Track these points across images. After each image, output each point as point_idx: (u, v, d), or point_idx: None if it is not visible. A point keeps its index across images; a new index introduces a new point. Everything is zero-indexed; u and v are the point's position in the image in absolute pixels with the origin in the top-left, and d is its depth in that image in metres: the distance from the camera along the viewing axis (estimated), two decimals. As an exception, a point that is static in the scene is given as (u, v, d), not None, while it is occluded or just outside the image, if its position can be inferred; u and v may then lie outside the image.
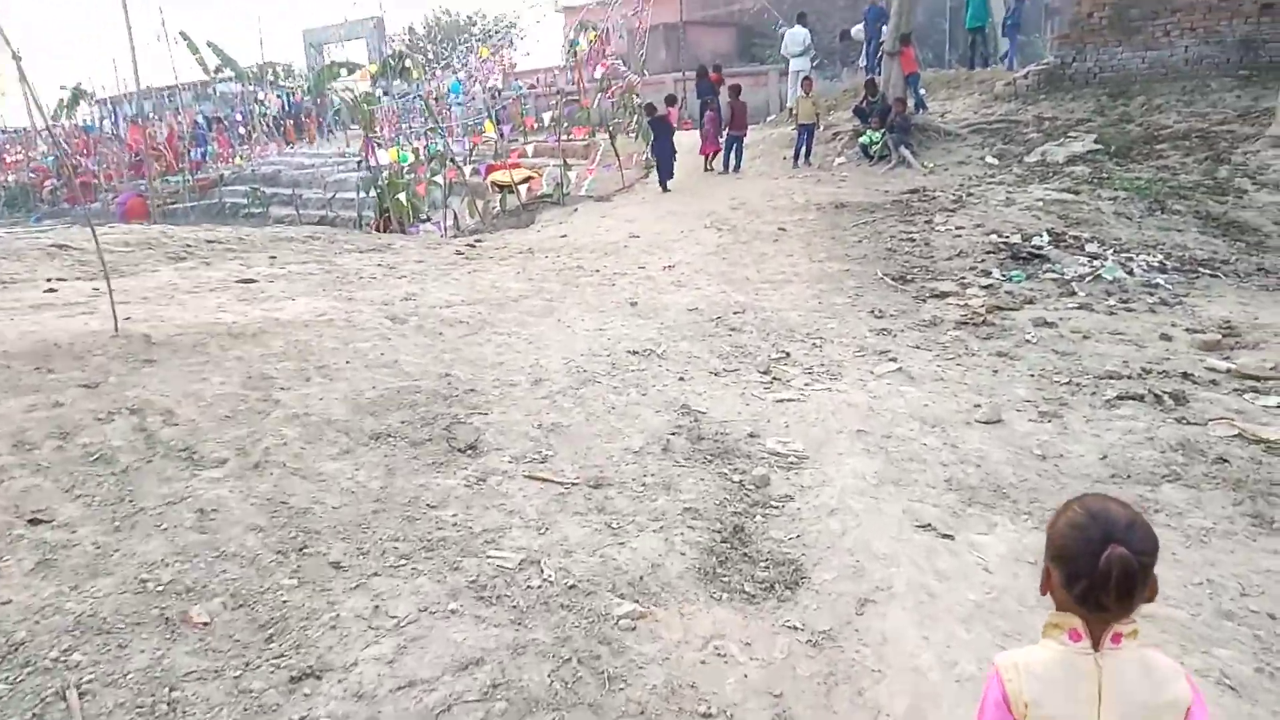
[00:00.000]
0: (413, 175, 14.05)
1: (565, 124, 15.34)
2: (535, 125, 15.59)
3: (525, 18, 28.77)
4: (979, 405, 5.11)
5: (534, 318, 6.69)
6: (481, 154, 15.58)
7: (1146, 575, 1.43)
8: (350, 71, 31.58)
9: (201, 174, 34.77)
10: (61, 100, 45.82)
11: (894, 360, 6.02)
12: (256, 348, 5.01)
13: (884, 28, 14.86)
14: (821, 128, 14.64)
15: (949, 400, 5.23)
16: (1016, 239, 8.92)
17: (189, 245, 8.15)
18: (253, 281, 7.03)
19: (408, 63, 32.39)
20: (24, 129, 48.92)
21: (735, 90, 14.30)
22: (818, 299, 7.55)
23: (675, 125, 13.74)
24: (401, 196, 13.40)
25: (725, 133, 14.77)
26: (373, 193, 13.85)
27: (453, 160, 13.48)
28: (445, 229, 13.54)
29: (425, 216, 14.69)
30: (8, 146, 46.17)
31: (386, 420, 4.37)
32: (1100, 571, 1.40)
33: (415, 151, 14.95)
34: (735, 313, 7.08)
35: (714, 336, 6.49)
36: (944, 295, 7.60)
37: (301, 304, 6.17)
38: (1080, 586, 1.44)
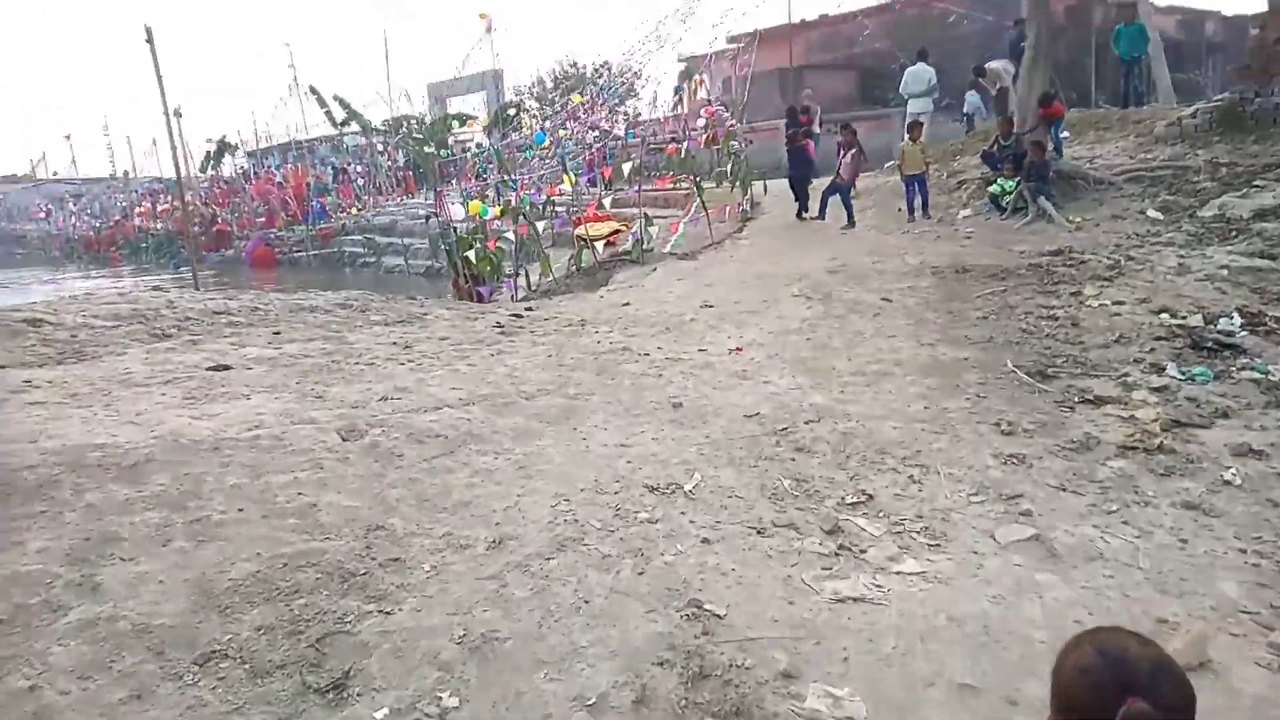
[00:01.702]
0: (483, 232, 13.00)
1: (647, 174, 14.00)
2: (611, 175, 14.30)
3: (651, 68, 27.88)
4: (1167, 620, 3.24)
5: (543, 426, 5.21)
6: (560, 207, 14.45)
7: None
8: (462, 123, 31.72)
9: (325, 223, 35.71)
10: (208, 153, 48.76)
11: (1027, 515, 4.17)
12: (126, 487, 3.74)
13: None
14: (936, 175, 12.76)
15: (1117, 603, 3.37)
16: (1197, 320, 6.82)
17: (186, 319, 7.18)
18: (226, 369, 5.89)
19: (521, 113, 32.38)
20: (174, 179, 52.50)
21: (849, 132, 12.60)
22: (924, 401, 5.74)
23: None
24: (471, 254, 12.35)
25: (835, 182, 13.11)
26: (443, 248, 12.87)
27: (524, 215, 12.34)
28: (515, 290, 12.39)
29: (512, 273, 13.64)
30: (161, 195, 49.43)
31: (236, 625, 2.96)
32: None
33: (505, 205, 13.98)
34: (809, 421, 5.38)
35: (772, 460, 4.81)
36: (1099, 401, 5.64)
37: (244, 409, 4.92)
38: None
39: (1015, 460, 4.86)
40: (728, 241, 12.60)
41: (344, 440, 4.58)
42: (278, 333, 7.07)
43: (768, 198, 16.04)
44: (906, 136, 12.30)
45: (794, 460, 4.82)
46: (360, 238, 30.45)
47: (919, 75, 16.49)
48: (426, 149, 32.84)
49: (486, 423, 5.10)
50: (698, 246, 12.47)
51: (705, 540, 3.85)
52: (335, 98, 38.47)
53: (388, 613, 3.11)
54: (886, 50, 26.99)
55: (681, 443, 5.05)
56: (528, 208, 12.69)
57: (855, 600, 3.33)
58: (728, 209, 13.59)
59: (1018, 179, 11.29)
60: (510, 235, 12.31)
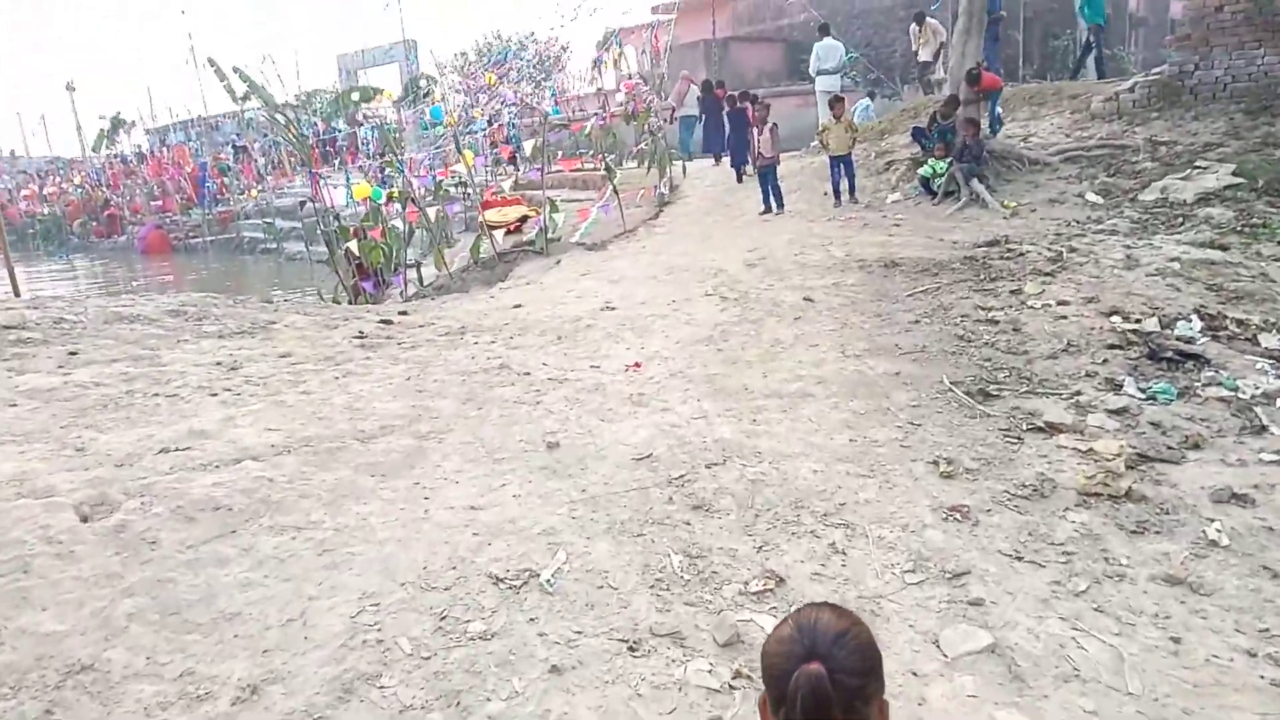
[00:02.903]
0: (376, 218, 11.69)
1: (555, 153, 12.82)
2: (512, 155, 13.08)
3: (576, 39, 26.37)
4: (1178, 794, 2.34)
5: (373, 482, 4.09)
6: (455, 189, 13.18)
7: (853, 700, 1.18)
8: (368, 97, 29.81)
9: (223, 206, 33.39)
10: (102, 130, 45.38)
11: (978, 604, 3.24)
12: None
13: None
14: (864, 155, 11.90)
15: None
16: (1152, 324, 6.05)
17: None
18: (-22, 407, 4.60)
19: (434, 86, 30.62)
20: (68, 159, 48.86)
21: (762, 106, 11.64)
22: (849, 432, 4.81)
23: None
24: (354, 245, 11.04)
25: (755, 164, 12.18)
26: (321, 237, 11.55)
27: (413, 200, 11.06)
28: (404, 285, 11.13)
29: (402, 266, 12.35)
30: (49, 177, 45.93)
31: None
32: (789, 693, 1.18)
33: (393, 189, 12.63)
34: (712, 464, 4.38)
35: (662, 525, 3.80)
36: (1051, 429, 4.78)
37: (-44, 476, 3.68)
38: (783, 713, 1.20)
39: (958, 515, 3.94)
40: (641, 229, 11.55)
41: (82, 521, 3.40)
42: (74, 353, 5.76)
43: (687, 180, 15.03)
44: (829, 113, 11.36)
45: (689, 525, 3.81)
46: (259, 222, 28.40)
47: (832, 50, 15.70)
48: (332, 125, 30.81)
49: (297, 482, 3.96)
50: (609, 235, 11.38)
51: (555, 669, 2.81)
52: (234, 69, 35.98)
53: None
54: (814, 23, 26.18)
55: (550, 500, 4.00)
56: (417, 192, 11.40)
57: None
58: (641, 193, 12.52)
59: (949, 160, 10.49)
60: (398, 223, 11.01)
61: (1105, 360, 5.61)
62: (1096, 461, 4.47)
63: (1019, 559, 3.59)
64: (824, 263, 8.34)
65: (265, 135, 35.11)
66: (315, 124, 29.98)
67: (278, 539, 3.49)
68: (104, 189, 38.33)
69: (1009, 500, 4.09)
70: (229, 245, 30.12)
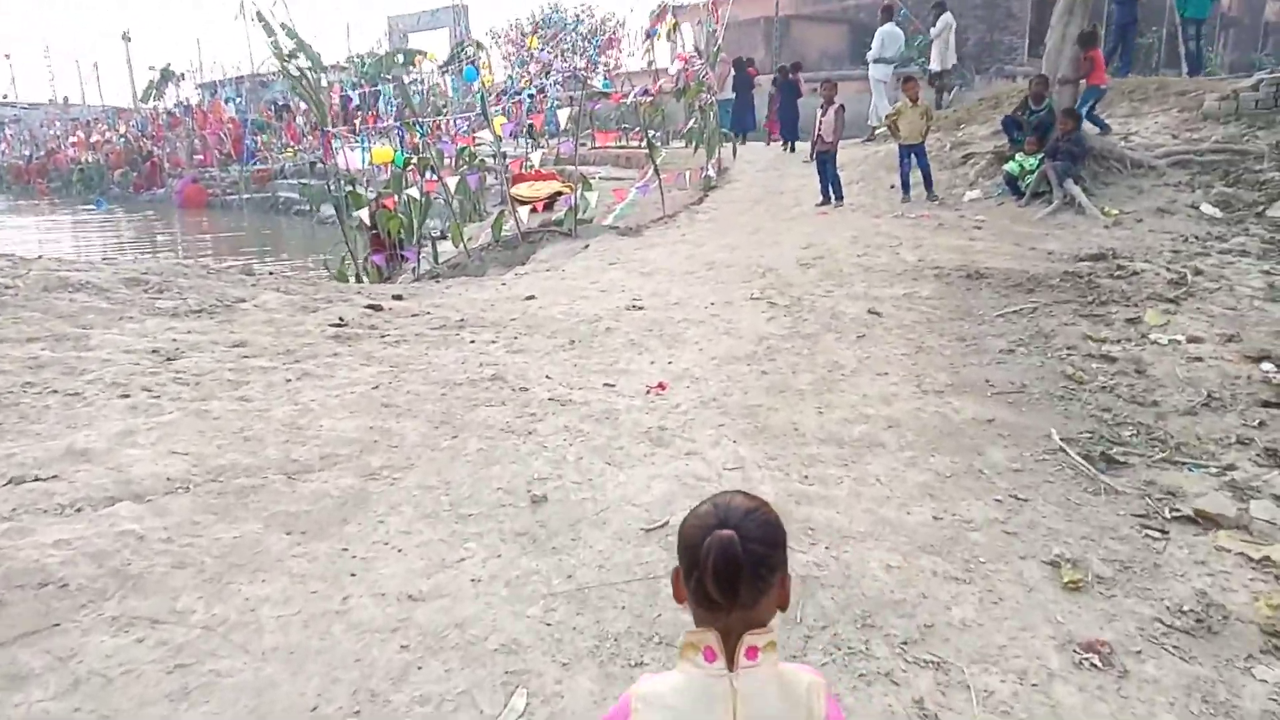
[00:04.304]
0: (395, 184, 10.66)
1: (588, 127, 11.64)
2: (542, 125, 11.94)
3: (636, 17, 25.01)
4: None
5: (286, 543, 3.01)
6: (479, 160, 12.09)
7: (759, 567, 1.24)
8: (410, 59, 28.79)
9: (260, 165, 32.74)
10: (151, 82, 45.00)
11: None
12: None
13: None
14: (937, 145, 10.57)
15: None
16: (1320, 376, 4.76)
17: None
18: None
19: (480, 51, 29.51)
20: (116, 109, 48.73)
21: (829, 85, 10.36)
22: (932, 502, 3.63)
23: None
24: (364, 213, 10.02)
25: (813, 149, 10.95)
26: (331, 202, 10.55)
27: (432, 168, 9.98)
28: (418, 262, 10.09)
29: (433, 236, 11.33)
30: (96, 124, 45.77)
31: None
32: (701, 556, 1.23)
33: (410, 154, 11.59)
34: (748, 543, 3.24)
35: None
36: (1206, 521, 3.56)
37: None
38: (693, 580, 1.26)
39: (1097, 658, 2.75)
40: (683, 215, 10.36)
41: None
42: (-16, 331, 4.77)
43: (738, 163, 13.78)
44: (901, 95, 10.02)
45: (709, 648, 2.68)
46: (296, 183, 27.63)
47: (894, 37, 14.50)
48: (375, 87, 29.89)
49: (178, 541, 2.90)
50: (646, 220, 10.21)
51: None
52: (282, 26, 35.20)
53: None
54: (883, 2, 24.54)
55: (521, 590, 2.89)
56: (437, 158, 10.32)
57: None
58: (688, 174, 11.32)
59: (1041, 156, 9.14)
60: (415, 192, 9.95)
61: (1261, 423, 4.35)
62: (1271, 568, 3.26)
63: (1199, 751, 2.41)
64: (893, 267, 7.10)
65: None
66: (359, 85, 29.05)
67: (116, 641, 2.42)
68: (147, 140, 37.94)
69: (1164, 636, 2.89)
70: (265, 204, 29.48)
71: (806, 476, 3.83)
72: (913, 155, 9.80)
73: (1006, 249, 7.52)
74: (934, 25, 14.76)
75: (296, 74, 10.84)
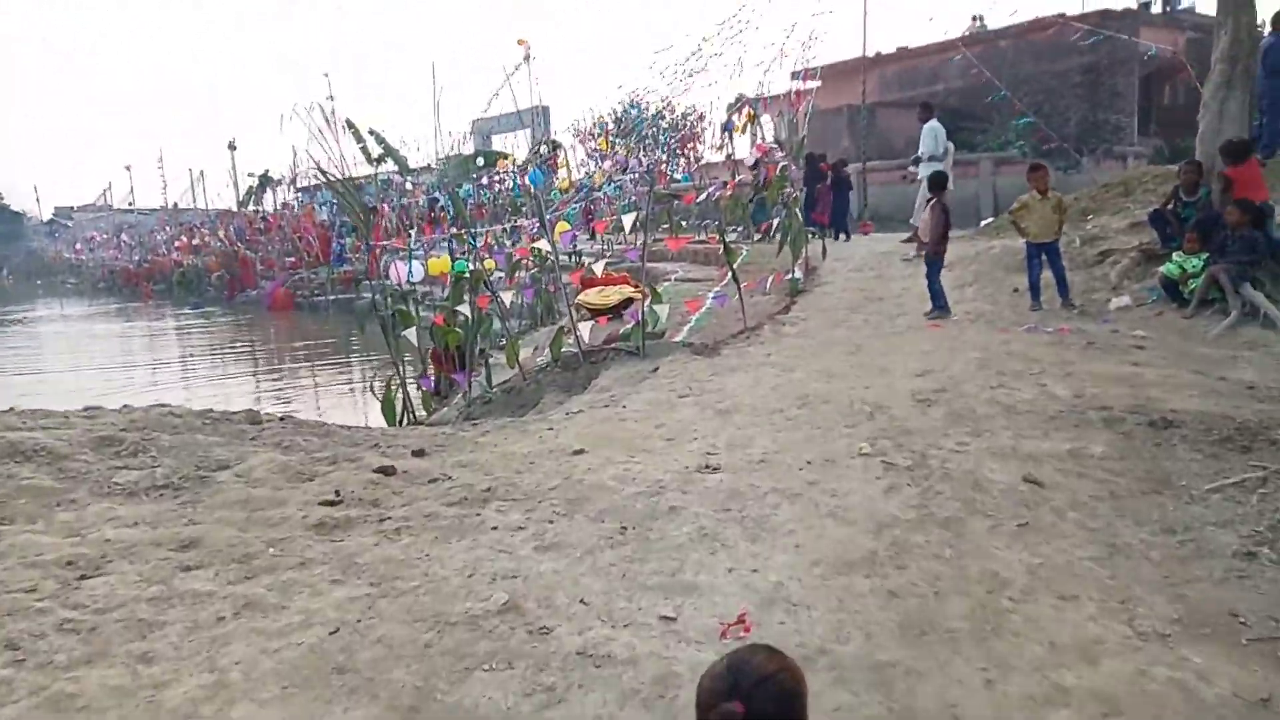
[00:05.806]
0: (451, 299, 9.70)
1: (658, 228, 10.49)
2: (606, 229, 10.87)
3: (719, 111, 24.46)
4: None
5: None
6: (531, 273, 11.11)
7: None
8: (489, 162, 28.78)
9: (346, 267, 33.09)
10: (250, 188, 47.08)
11: None
12: None
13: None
14: (1064, 241, 8.98)
15: None
16: None
17: None
18: None
19: (559, 152, 29.36)
20: (216, 213, 51.03)
21: (938, 182, 8.98)
22: None
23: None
24: (411, 334, 9.04)
25: (917, 249, 9.52)
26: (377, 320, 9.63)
27: (486, 283, 8.96)
28: (469, 386, 8.98)
29: (487, 355, 10.29)
30: (200, 229, 47.88)
31: None
32: None
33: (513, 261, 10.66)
34: None
35: None
36: None
37: None
38: None
39: None
40: (767, 327, 8.99)
41: None
42: None
43: (828, 262, 12.43)
44: (1030, 188, 8.52)
45: None
46: (379, 282, 27.55)
47: (940, 134, 13.31)
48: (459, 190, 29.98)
49: None
50: (724, 334, 8.89)
51: None
52: (370, 132, 36.13)
53: None
54: (974, 87, 23.27)
55: None
56: (489, 271, 9.31)
57: None
58: (770, 280, 10.00)
59: (1206, 257, 7.49)
60: (466, 309, 8.91)
61: None
62: None
63: None
64: (1042, 407, 5.53)
65: (399, 196, 34.82)
66: (442, 186, 29.10)
67: None
68: (241, 244, 39.15)
69: None
70: (348, 306, 29.56)
71: (987, 833, 2.30)
72: (1044, 255, 8.26)
73: (1187, 379, 5.86)
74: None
75: (335, 180, 10.10)
